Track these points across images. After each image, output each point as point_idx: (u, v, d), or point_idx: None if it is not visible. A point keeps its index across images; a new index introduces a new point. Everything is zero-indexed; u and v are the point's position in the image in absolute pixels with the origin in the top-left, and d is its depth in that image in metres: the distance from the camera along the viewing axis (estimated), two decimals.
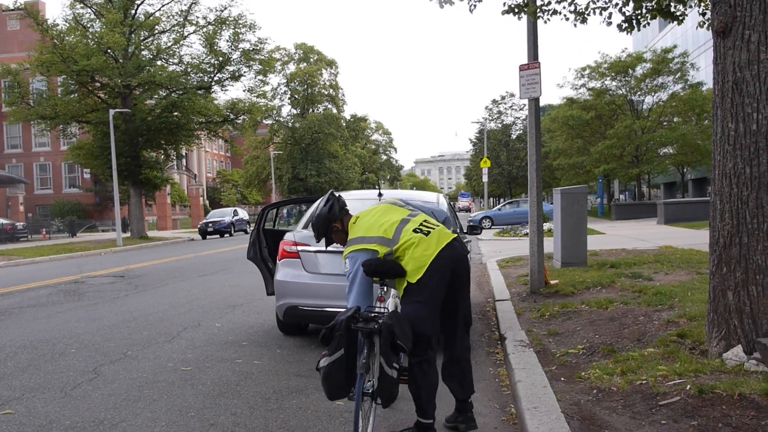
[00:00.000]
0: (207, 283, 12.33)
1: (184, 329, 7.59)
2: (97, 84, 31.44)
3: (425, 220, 3.97)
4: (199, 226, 37.59)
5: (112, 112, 28.76)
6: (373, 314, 3.57)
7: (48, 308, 9.55)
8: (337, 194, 4.13)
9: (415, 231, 3.83)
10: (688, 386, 4.11)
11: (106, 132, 29.70)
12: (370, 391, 3.48)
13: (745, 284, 4.53)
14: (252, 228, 7.23)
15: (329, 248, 6.03)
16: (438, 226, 3.98)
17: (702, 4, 7.70)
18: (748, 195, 4.49)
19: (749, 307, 4.50)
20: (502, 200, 76.11)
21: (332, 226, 4.03)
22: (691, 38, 42.29)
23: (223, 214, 38.80)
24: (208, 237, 35.43)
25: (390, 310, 3.89)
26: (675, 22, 7.85)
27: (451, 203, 7.95)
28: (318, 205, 4.14)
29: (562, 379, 4.74)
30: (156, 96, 33.11)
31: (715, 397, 3.91)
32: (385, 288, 3.96)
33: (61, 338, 7.23)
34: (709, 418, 3.67)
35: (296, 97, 64.72)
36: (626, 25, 7.91)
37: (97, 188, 49.52)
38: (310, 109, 65.16)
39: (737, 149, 4.54)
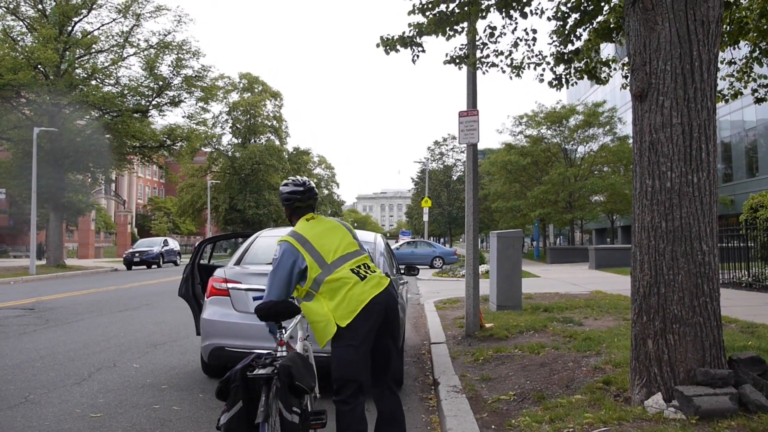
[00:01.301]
0: (128, 318, 11.66)
1: (97, 370, 7.05)
2: (23, 100, 29.97)
3: (365, 264, 3.91)
4: (124, 255, 35.95)
5: (36, 130, 27.13)
6: (270, 359, 3.40)
7: None
8: (310, 185, 4.16)
9: (352, 270, 3.79)
10: None
11: (28, 151, 28.06)
12: None
13: (663, 333, 4.71)
14: (185, 262, 6.92)
15: (261, 286, 5.82)
16: (375, 271, 3.91)
17: (625, 67, 8.24)
18: (665, 248, 4.73)
19: (667, 355, 4.68)
20: (442, 240, 77.02)
21: (284, 208, 4.18)
22: (618, 95, 44.36)
23: (152, 244, 37.25)
24: (133, 268, 33.87)
25: (296, 351, 3.72)
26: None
27: (389, 244, 7.84)
28: (283, 183, 4.24)
29: (493, 426, 4.71)
30: (87, 116, 31.65)
31: None
32: (285, 331, 3.76)
33: None
34: None
35: (238, 126, 64.03)
36: (556, 82, 8.53)
37: (12, 210, 46.85)
38: (252, 140, 64.52)
39: (654, 204, 4.80)
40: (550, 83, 8.50)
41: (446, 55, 8.32)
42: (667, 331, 4.67)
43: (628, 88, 5.43)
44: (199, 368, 7.01)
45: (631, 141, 36.94)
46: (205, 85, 33.61)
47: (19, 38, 29.84)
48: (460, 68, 8.52)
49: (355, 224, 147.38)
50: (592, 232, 58.95)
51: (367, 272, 3.82)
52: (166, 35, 31.89)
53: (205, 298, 6.30)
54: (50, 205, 30.81)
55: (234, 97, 63.41)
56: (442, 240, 75.56)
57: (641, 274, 4.85)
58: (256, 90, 64.51)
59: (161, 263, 35.84)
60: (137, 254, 34.78)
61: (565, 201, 38.21)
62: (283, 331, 3.75)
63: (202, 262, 7.34)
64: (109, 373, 6.91)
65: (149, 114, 33.13)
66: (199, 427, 5.01)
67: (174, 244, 40.14)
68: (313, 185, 4.20)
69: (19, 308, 13.37)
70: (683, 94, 4.68)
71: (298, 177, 4.23)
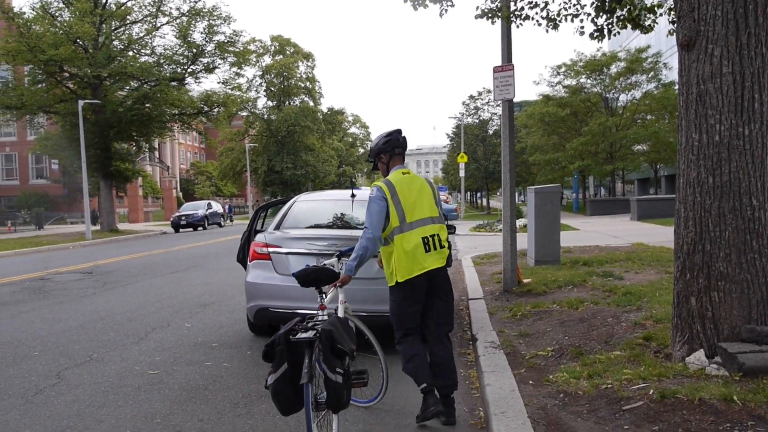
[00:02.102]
0: (178, 280, 12.16)
1: (152, 330, 7.47)
2: (66, 74, 30.72)
3: (438, 235, 4.35)
4: (171, 219, 37.05)
5: (81, 103, 28.10)
6: (312, 323, 3.57)
7: (11, 307, 9.32)
8: (399, 132, 4.55)
9: (423, 239, 4.27)
10: (651, 391, 4.17)
11: (75, 123, 29.04)
12: (323, 400, 3.45)
13: (707, 290, 4.61)
14: (236, 223, 7.17)
15: (301, 250, 6.04)
16: (444, 246, 4.37)
17: (671, 12, 7.84)
18: (711, 204, 4.58)
19: (711, 313, 4.59)
20: (479, 194, 76.34)
21: (380, 156, 4.51)
22: (664, 39, 42.70)
23: (197, 207, 38.27)
24: (180, 230, 34.96)
25: (336, 315, 3.89)
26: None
27: None
28: (380, 135, 4.61)
29: (531, 382, 4.77)
30: (127, 87, 32.50)
31: (676, 402, 3.97)
32: (325, 296, 3.95)
33: (24, 340, 7.05)
34: (669, 423, 3.72)
35: (272, 89, 64.18)
36: (597, 34, 8.11)
37: (66, 179, 48.48)
38: (287, 102, 64.67)
39: (701, 159, 4.62)
40: (591, 35, 8.10)
41: (477, 8, 8.06)
42: (712, 289, 4.57)
43: (674, 35, 5.13)
44: (246, 327, 7.32)
45: (677, 87, 35.84)
46: (238, 50, 33.74)
47: (57, 14, 30.43)
48: (493, 22, 8.27)
49: None
50: (634, 183, 57.72)
51: (435, 246, 4.30)
52: (196, 2, 32.07)
53: (248, 262, 6.55)
54: (99, 173, 32.04)
55: (267, 60, 63.43)
56: (479, 194, 74.88)
57: (685, 231, 4.74)
58: (288, 52, 64.33)
59: (206, 225, 36.85)
60: (183, 217, 35.81)
61: (606, 152, 37.36)
62: (324, 296, 3.94)
63: (257, 228, 7.51)
64: (163, 333, 7.31)
65: (186, 82, 33.58)
66: (249, 383, 5.29)
67: (217, 206, 41.07)
68: (405, 138, 4.59)
69: (79, 272, 14.06)
70: (735, 41, 4.42)
71: (392, 130, 4.57)
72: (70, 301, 9.83)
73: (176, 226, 35.25)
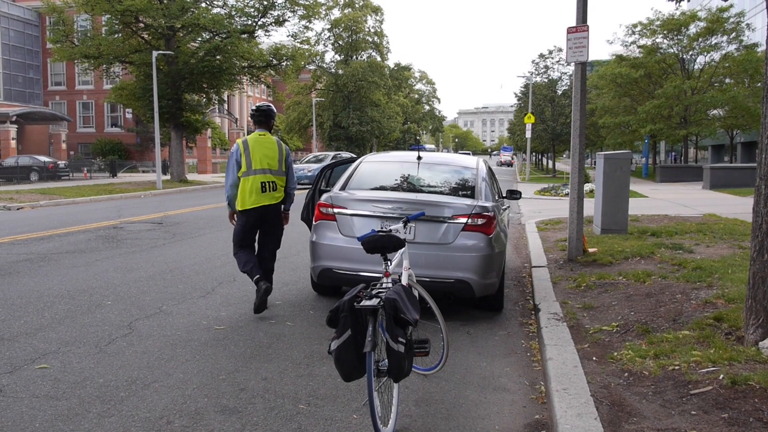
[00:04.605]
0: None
1: (219, 284, 7.66)
2: (141, 24, 31.48)
3: (273, 182, 6.27)
4: None
5: (155, 53, 28.99)
6: (376, 291, 3.57)
7: (86, 255, 9.70)
8: (263, 111, 6.48)
9: (261, 183, 6.21)
10: (721, 375, 4.05)
11: (149, 73, 29.91)
12: (385, 368, 3.48)
13: None
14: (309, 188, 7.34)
15: (366, 212, 6.06)
16: (277, 190, 6.32)
17: None
18: None
19: None
20: (543, 156, 74.62)
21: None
22: None
23: None
24: None
25: (401, 284, 3.88)
26: None
27: (491, 169, 7.78)
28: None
29: (594, 358, 4.70)
30: (199, 39, 33.11)
31: (747, 389, 3.84)
32: (390, 262, 3.94)
33: (97, 288, 7.34)
34: (740, 411, 3.60)
35: (340, 43, 63.85)
36: None
37: (139, 129, 50.13)
38: (354, 57, 64.29)
39: None
40: None
41: None
42: None
43: None
44: (309, 286, 7.42)
45: (760, 49, 33.53)
46: (307, 2, 33.67)
47: None
48: None
49: (456, 139, 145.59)
50: (707, 149, 55.19)
51: (270, 189, 6.23)
52: None
53: (313, 222, 6.61)
54: (171, 124, 33.06)
55: (335, 13, 62.93)
56: (545, 156, 73.15)
57: (765, 209, 4.51)
58: (357, 6, 63.60)
59: None
60: None
61: (680, 116, 35.70)
62: (389, 263, 3.94)
63: (322, 187, 7.51)
64: (229, 288, 7.49)
65: (256, 34, 33.83)
66: (311, 343, 5.38)
67: None
68: (267, 110, 6.47)
69: (150, 222, 14.58)
70: None
71: (264, 103, 6.48)
72: (141, 251, 10.19)
73: None
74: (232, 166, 6.23)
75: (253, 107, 6.42)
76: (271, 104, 6.81)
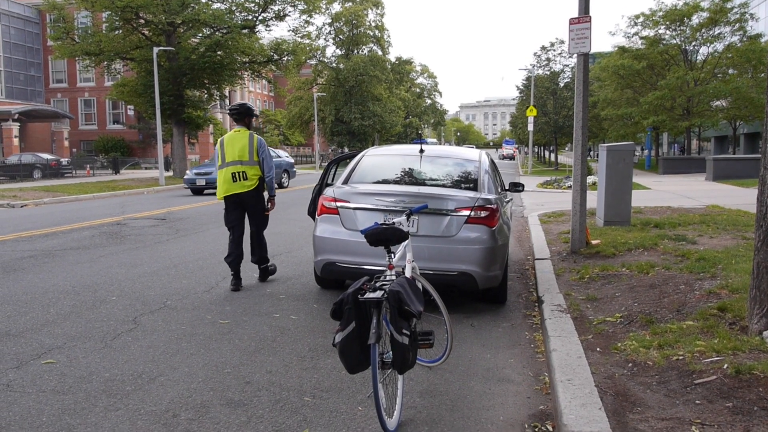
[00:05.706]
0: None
1: (222, 279, 7.67)
2: (142, 21, 31.46)
3: (243, 172, 7.16)
4: None
5: (156, 49, 28.95)
6: (380, 283, 3.57)
7: (90, 251, 9.73)
8: (240, 109, 7.25)
9: (232, 174, 7.11)
10: (726, 365, 4.05)
11: (150, 70, 29.93)
12: (390, 360, 3.49)
13: None
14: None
15: (369, 205, 6.06)
16: (247, 179, 7.21)
17: None
18: None
19: None
20: (545, 149, 74.43)
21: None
22: None
23: None
24: None
25: (404, 276, 3.89)
26: None
27: (494, 162, 7.77)
28: None
29: (598, 349, 4.70)
30: (200, 34, 33.13)
31: (752, 378, 3.84)
32: (394, 255, 3.94)
33: (102, 284, 7.37)
34: (744, 400, 3.60)
35: (341, 37, 63.79)
36: None
37: (141, 125, 50.17)
38: (355, 51, 64.24)
39: None
40: None
41: None
42: None
43: None
44: (312, 280, 7.45)
45: (764, 39, 33.32)
46: None
47: None
48: None
49: (458, 133, 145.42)
50: (710, 141, 55.02)
51: (240, 179, 7.10)
52: None
53: (316, 216, 6.61)
54: (173, 120, 33.11)
55: (336, 7, 62.88)
56: (548, 149, 73.01)
57: None
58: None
59: None
60: None
61: (683, 107, 35.57)
62: (392, 255, 3.94)
63: (329, 182, 7.51)
64: None
65: (256, 29, 33.81)
66: (315, 336, 5.40)
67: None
68: (240, 109, 7.22)
69: (153, 218, 14.61)
70: None
71: (238, 102, 7.11)
72: (145, 246, 10.21)
73: None
74: (216, 163, 7.27)
75: (229, 107, 7.19)
76: (246, 102, 8.11)
